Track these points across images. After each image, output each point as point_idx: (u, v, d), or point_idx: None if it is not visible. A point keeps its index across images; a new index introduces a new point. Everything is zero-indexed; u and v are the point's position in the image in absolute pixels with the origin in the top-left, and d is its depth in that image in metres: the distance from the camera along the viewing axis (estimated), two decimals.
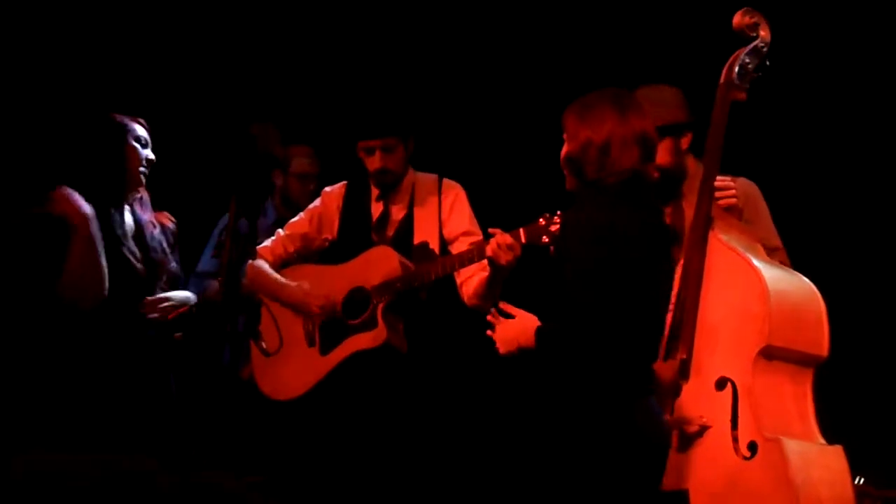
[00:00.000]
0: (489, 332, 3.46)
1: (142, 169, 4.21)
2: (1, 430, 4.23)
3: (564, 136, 3.45)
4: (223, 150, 4.96)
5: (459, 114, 5.68)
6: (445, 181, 4.59)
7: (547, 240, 3.94)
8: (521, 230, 3.99)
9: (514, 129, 5.61)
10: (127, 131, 4.20)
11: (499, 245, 3.99)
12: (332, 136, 5.07)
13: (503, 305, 3.44)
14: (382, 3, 5.83)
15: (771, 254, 3.99)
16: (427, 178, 4.59)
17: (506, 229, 4.02)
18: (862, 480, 4.58)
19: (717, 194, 3.93)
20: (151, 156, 4.25)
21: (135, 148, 4.19)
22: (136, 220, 4.24)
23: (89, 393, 4.05)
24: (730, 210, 3.96)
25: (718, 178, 3.94)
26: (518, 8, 5.70)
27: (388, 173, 4.48)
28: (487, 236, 4.09)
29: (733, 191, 3.97)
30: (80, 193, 4.14)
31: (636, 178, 3.37)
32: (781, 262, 4.00)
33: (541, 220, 3.97)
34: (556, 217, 3.95)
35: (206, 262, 5.22)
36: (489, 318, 3.45)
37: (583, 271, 3.26)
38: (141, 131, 4.23)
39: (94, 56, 5.64)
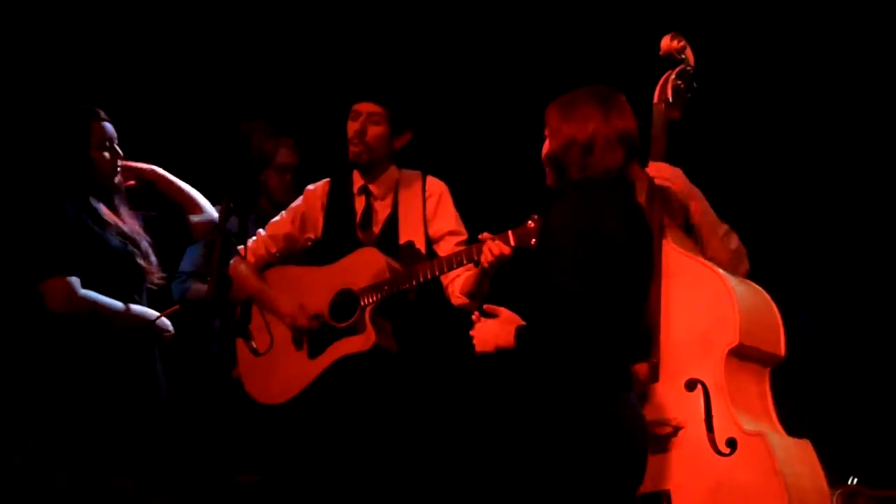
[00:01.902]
0: (471, 331, 3.45)
1: (110, 166, 4.20)
2: None
3: (546, 132, 3.44)
4: (215, 149, 4.97)
5: (445, 113, 5.67)
6: (429, 178, 4.56)
7: (535, 242, 3.92)
8: (510, 233, 3.96)
9: (499, 129, 5.60)
10: (90, 135, 4.18)
11: (489, 250, 3.97)
12: (321, 133, 5.04)
13: (487, 307, 3.42)
14: (372, 5, 5.82)
15: (728, 235, 4.02)
16: (411, 175, 4.57)
17: (491, 229, 4.00)
18: (855, 480, 4.59)
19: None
20: (117, 151, 4.23)
21: (101, 153, 4.18)
22: (119, 214, 4.24)
23: (84, 393, 4.06)
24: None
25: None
26: (508, 10, 5.70)
27: (362, 143, 4.44)
28: (474, 237, 4.07)
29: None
30: (53, 188, 4.15)
31: (618, 178, 3.35)
32: (737, 249, 4.04)
33: (530, 222, 3.94)
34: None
35: (188, 262, 5.15)
36: (473, 317, 3.44)
37: (564, 272, 3.25)
38: (102, 132, 4.20)
39: (85, 55, 5.63)
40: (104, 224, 4.17)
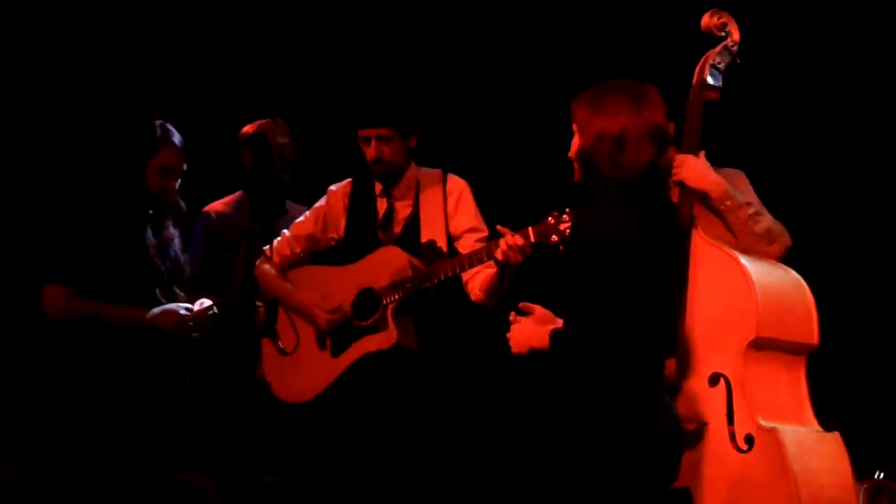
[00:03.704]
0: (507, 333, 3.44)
1: (162, 191, 4.23)
2: (20, 426, 4.31)
3: (574, 126, 3.39)
4: (237, 153, 5.01)
5: (464, 109, 5.68)
6: (450, 176, 4.58)
7: (556, 239, 3.92)
8: (531, 229, 3.97)
9: (519, 125, 5.60)
10: (150, 157, 4.20)
11: (509, 246, 3.98)
12: (342, 132, 5.05)
13: (522, 305, 3.42)
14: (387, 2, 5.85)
15: (755, 217, 3.95)
16: (432, 174, 4.59)
17: (511, 225, 4.01)
18: (882, 475, 4.56)
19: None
20: (176, 183, 4.26)
21: (155, 176, 4.21)
22: (161, 232, 4.28)
23: (108, 393, 4.11)
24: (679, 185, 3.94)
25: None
26: (520, 5, 5.70)
27: (383, 164, 4.47)
28: (494, 233, 4.08)
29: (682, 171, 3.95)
30: (102, 202, 4.20)
31: (650, 174, 3.33)
32: (767, 231, 3.96)
33: (549, 218, 3.95)
34: (564, 215, 3.93)
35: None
36: (510, 318, 3.42)
37: (597, 273, 3.23)
38: (167, 159, 4.22)
39: (110, 59, 5.70)
40: (135, 241, 4.21)
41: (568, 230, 3.84)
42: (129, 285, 4.16)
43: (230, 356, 4.70)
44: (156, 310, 4.19)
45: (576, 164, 3.41)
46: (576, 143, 3.39)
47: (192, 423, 4.29)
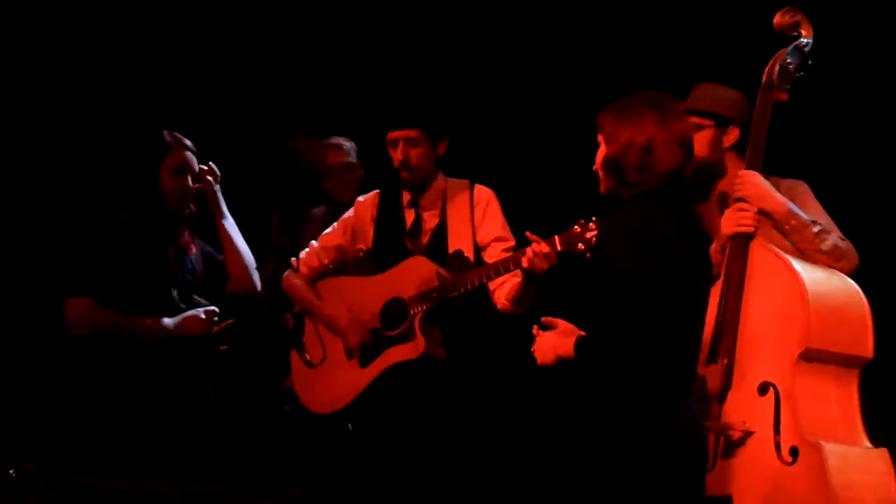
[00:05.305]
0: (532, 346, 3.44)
1: (178, 193, 4.25)
2: (41, 435, 4.32)
3: (600, 138, 3.41)
4: (266, 166, 5.04)
5: (491, 119, 5.69)
6: (477, 186, 4.59)
7: (583, 247, 3.90)
8: (557, 238, 3.97)
9: (546, 134, 5.61)
10: (164, 157, 4.24)
11: (535, 254, 3.99)
12: (371, 142, 5.08)
13: (545, 319, 3.42)
14: (415, 9, 5.86)
15: (821, 234, 3.89)
16: (459, 184, 4.60)
17: (538, 234, 4.01)
18: None
19: (738, 215, 3.89)
20: (190, 184, 4.28)
21: (170, 176, 4.23)
22: (178, 240, 4.30)
23: (131, 406, 4.12)
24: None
25: (741, 204, 3.89)
26: (553, 11, 5.71)
27: (409, 168, 4.48)
28: (521, 242, 4.08)
29: (751, 221, 3.89)
30: (123, 213, 4.23)
31: (676, 180, 3.34)
32: (833, 249, 3.91)
33: (576, 227, 3.94)
34: (591, 224, 3.92)
35: None
36: (533, 332, 3.43)
37: (623, 279, 3.24)
38: (181, 158, 4.26)
39: (136, 71, 5.74)
40: (153, 249, 4.23)
41: (594, 238, 3.85)
42: (149, 295, 4.18)
43: (258, 368, 4.72)
44: (177, 318, 4.21)
45: (601, 176, 3.43)
46: (601, 153, 3.41)
47: (217, 433, 4.29)
